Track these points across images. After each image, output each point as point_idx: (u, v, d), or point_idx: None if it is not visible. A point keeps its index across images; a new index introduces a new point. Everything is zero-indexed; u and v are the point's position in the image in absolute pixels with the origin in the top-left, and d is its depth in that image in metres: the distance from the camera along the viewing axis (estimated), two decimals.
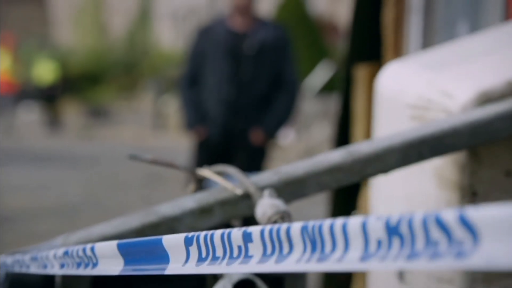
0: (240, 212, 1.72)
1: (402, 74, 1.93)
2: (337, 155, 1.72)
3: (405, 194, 1.89)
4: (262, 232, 1.01)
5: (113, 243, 1.31)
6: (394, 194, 1.94)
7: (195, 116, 5.93)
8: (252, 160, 5.83)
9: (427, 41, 2.94)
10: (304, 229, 0.93)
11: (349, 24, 3.26)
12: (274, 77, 5.89)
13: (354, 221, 0.85)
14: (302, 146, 15.69)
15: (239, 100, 5.83)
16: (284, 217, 1.62)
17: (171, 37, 34.59)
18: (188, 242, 1.15)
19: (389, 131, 1.88)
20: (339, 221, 0.88)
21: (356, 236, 0.85)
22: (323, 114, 15.56)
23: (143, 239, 1.27)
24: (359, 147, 1.72)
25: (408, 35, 3.04)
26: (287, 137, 14.75)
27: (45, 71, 21.11)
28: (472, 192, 1.75)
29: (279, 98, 5.91)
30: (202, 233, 1.13)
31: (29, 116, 28.02)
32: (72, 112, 27.47)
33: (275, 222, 1.61)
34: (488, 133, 1.68)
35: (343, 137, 3.26)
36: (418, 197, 1.85)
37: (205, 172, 1.81)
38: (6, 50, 21.11)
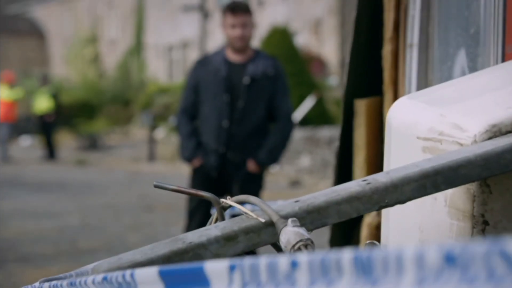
0: (263, 240, 1.72)
1: (413, 108, 1.94)
2: (356, 185, 1.72)
3: (417, 223, 1.89)
4: (310, 260, 1.01)
5: (154, 269, 1.30)
6: (406, 223, 1.94)
7: (192, 148, 5.92)
8: (248, 188, 5.82)
9: (425, 76, 2.95)
10: (355, 258, 0.92)
11: (348, 58, 3.27)
12: (269, 108, 5.90)
13: (409, 251, 0.85)
14: (290, 172, 15.70)
15: (235, 130, 5.83)
16: (308, 245, 1.61)
17: (163, 69, 34.67)
18: (232, 269, 1.15)
19: (401, 162, 1.89)
20: (393, 251, 0.87)
21: (412, 266, 0.84)
22: (308, 143, 15.57)
23: (184, 265, 1.26)
24: (377, 178, 1.72)
25: (406, 70, 3.05)
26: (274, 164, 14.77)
27: (42, 102, 21.12)
28: (483, 221, 1.76)
29: (274, 129, 5.93)
30: (247, 261, 1.12)
31: (27, 144, 27.98)
32: (68, 142, 27.44)
33: (299, 249, 1.61)
34: (499, 165, 1.68)
35: (344, 166, 3.27)
36: (430, 226, 1.85)
37: (229, 200, 1.81)
38: (6, 84, 21.16)
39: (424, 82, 2.95)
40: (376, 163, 3.24)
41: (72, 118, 28.83)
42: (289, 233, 1.63)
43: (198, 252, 1.68)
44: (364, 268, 0.91)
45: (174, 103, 27.99)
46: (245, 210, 1.74)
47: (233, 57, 5.94)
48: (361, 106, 3.21)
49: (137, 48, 35.82)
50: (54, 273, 6.77)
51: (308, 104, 16.56)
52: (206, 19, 31.73)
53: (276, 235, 1.67)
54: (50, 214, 11.45)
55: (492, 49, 2.46)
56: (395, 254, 0.86)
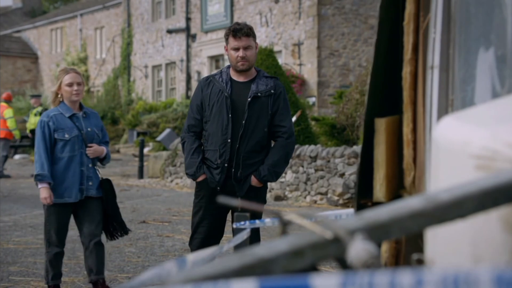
0: (329, 255, 1.68)
1: (462, 128, 1.91)
2: (418, 202, 1.69)
3: (469, 238, 1.86)
4: (439, 279, 0.96)
5: (252, 284, 1.25)
6: (456, 238, 1.90)
7: (197, 164, 5.88)
8: (250, 201, 5.77)
9: (445, 96, 2.93)
10: (499, 278, 0.88)
11: (369, 78, 3.26)
12: (271, 125, 5.87)
13: None
14: (275, 187, 15.66)
15: (239, 146, 5.80)
16: (377, 261, 1.58)
17: (150, 88, 34.58)
18: (344, 287, 1.10)
19: (452, 180, 1.86)
20: None
21: None
22: (292, 159, 15.53)
23: (285, 280, 1.21)
24: (438, 195, 1.69)
25: (426, 90, 3.03)
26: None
27: (35, 120, 20.99)
28: None
29: (275, 145, 5.90)
30: (362, 278, 1.08)
31: (18, 159, 27.76)
32: None
33: (369, 266, 1.57)
34: None
35: (365, 182, 3.24)
36: (483, 241, 1.81)
37: (292, 216, 1.77)
38: (5, 103, 21.09)
39: (445, 102, 2.93)
40: (395, 179, 3.22)
41: None
42: (358, 249, 1.59)
43: (268, 267, 1.64)
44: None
45: (161, 121, 27.91)
46: (310, 225, 1.70)
47: (237, 76, 5.92)
48: (381, 124, 3.18)
49: (125, 68, 35.72)
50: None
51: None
52: (191, 41, 31.72)
53: (343, 250, 1.64)
54: None
55: None
56: None
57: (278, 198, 15.37)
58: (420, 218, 1.67)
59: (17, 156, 28.24)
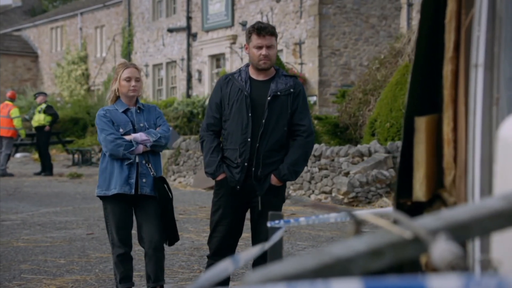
0: (408, 255, 1.64)
1: None
2: (497, 202, 1.65)
3: None
4: None
5: (356, 284, 1.21)
6: None
7: (216, 163, 5.84)
8: (270, 201, 5.74)
9: (490, 95, 2.89)
10: None
11: (410, 75, 3.21)
12: (290, 123, 5.83)
13: None
14: None
15: (259, 145, 5.75)
16: (462, 262, 1.53)
17: (151, 87, 34.53)
18: None
19: None
20: None
21: None
22: None
23: (395, 281, 1.17)
24: None
25: (470, 89, 2.99)
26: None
27: (38, 118, 20.93)
28: None
29: (295, 144, 5.84)
30: (490, 282, 1.03)
31: (22, 158, 27.72)
32: (60, 157, 27.19)
33: (454, 267, 1.53)
34: None
35: (404, 181, 3.20)
36: None
37: (366, 215, 1.73)
38: (10, 102, 21.05)
39: (489, 101, 2.89)
40: (434, 179, 3.17)
41: (63, 134, 28.60)
42: (443, 250, 1.55)
43: (346, 266, 1.60)
44: None
45: None
46: (388, 225, 1.66)
47: (256, 75, 5.87)
48: (421, 123, 3.14)
49: None
50: (70, 283, 6.55)
51: None
52: (192, 40, 31.67)
53: (423, 250, 1.60)
54: (56, 225, 11.27)
55: None
56: None
57: None
58: (500, 218, 1.63)
59: (18, 155, 28.17)
